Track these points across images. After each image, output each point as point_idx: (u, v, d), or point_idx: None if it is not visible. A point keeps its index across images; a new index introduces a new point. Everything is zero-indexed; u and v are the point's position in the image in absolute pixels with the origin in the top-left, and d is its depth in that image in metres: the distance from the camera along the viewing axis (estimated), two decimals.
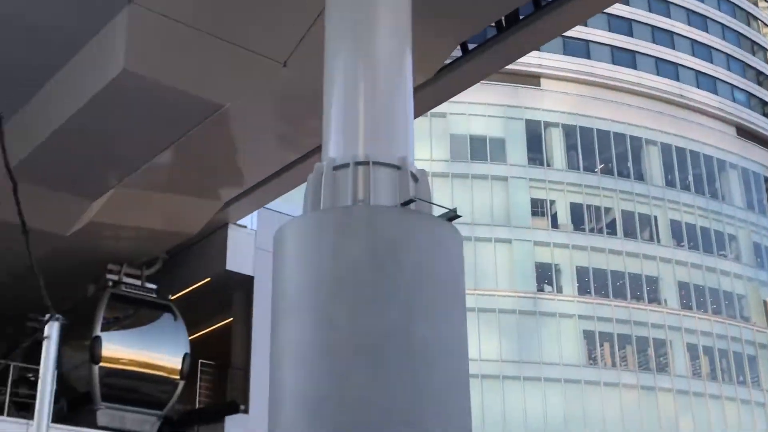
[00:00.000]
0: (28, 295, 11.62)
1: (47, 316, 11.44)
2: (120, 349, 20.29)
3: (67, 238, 19.31)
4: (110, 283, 20.67)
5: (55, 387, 19.76)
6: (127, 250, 20.80)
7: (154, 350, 20.79)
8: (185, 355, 20.61)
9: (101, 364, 19.59)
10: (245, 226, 23.02)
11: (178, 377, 20.53)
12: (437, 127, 56.87)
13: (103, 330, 19.89)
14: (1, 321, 23.74)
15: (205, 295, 23.00)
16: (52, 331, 11.41)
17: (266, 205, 21.97)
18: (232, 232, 22.64)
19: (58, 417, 19.91)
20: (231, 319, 23.90)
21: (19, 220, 10.39)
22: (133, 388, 20.31)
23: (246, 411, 21.22)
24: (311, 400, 5.44)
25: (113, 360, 19.99)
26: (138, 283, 21.10)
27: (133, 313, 21.05)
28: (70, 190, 17.77)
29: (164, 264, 21.57)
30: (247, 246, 22.75)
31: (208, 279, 22.79)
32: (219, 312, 24.25)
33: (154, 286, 21.31)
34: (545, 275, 55.23)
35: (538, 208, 56.81)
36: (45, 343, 11.35)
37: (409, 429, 5.31)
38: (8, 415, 20.24)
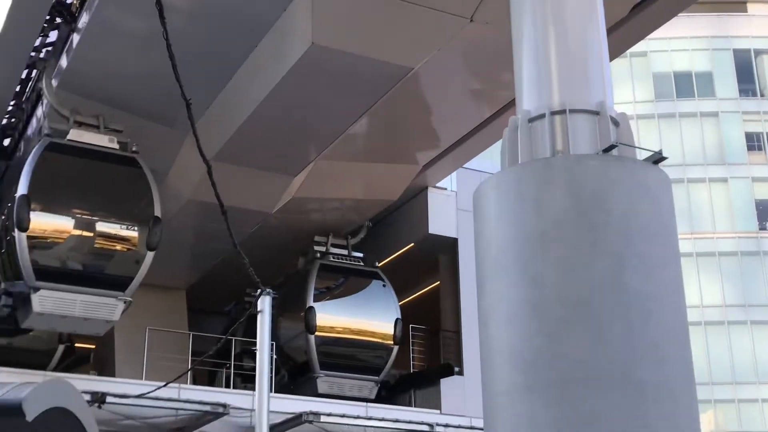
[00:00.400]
0: (245, 272, 12.15)
1: (258, 291, 11.96)
2: (333, 318, 20.96)
3: (273, 215, 20.09)
4: (318, 255, 21.28)
5: (275, 358, 20.80)
6: (332, 222, 21.39)
7: (366, 317, 21.34)
8: (396, 320, 21.01)
9: (317, 333, 20.29)
10: (445, 188, 23.13)
11: (391, 342, 20.99)
12: (638, 67, 54.91)
13: (315, 301, 20.56)
14: (222, 298, 25.09)
15: (411, 260, 23.36)
16: (264, 305, 11.93)
17: (464, 165, 21.98)
18: (433, 195, 22.81)
19: (280, 387, 20.93)
20: (438, 282, 24.16)
21: (227, 203, 10.91)
22: (349, 355, 20.94)
23: (461, 372, 21.44)
24: (524, 359, 5.40)
25: (328, 329, 20.68)
26: (345, 252, 21.64)
27: (342, 283, 21.66)
28: (271, 168, 18.42)
29: (368, 232, 22.03)
30: (448, 208, 22.87)
31: (412, 244, 23.09)
32: (426, 276, 24.55)
33: (360, 255, 21.80)
34: (767, 213, 52.45)
35: (753, 142, 53.86)
36: (259, 317, 11.88)
37: (626, 382, 5.18)
38: (234, 387, 21.41)
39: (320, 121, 16.93)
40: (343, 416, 17.86)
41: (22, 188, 16.23)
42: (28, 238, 16.14)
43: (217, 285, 23.80)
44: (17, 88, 18.61)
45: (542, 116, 6.30)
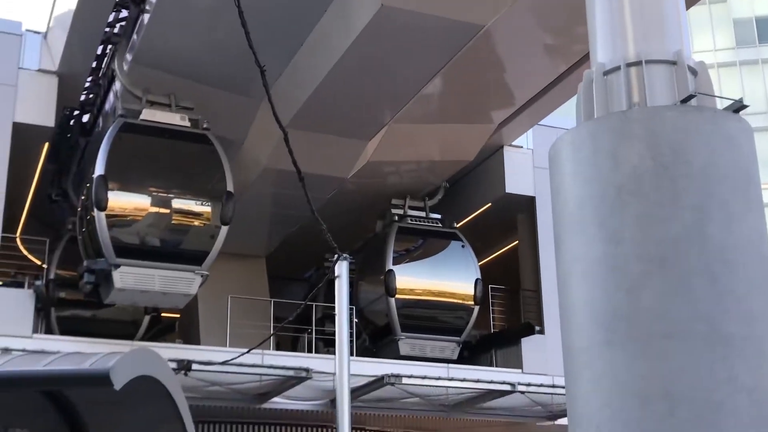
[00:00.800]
0: (323, 238, 12.25)
1: (335, 256, 12.05)
2: (413, 280, 21.05)
3: (349, 180, 20.19)
4: (396, 218, 21.34)
5: (355, 322, 21.01)
6: (408, 184, 21.41)
7: (446, 278, 21.38)
8: (477, 280, 21.02)
9: (397, 296, 20.42)
10: (521, 146, 22.95)
11: (472, 303, 21.01)
12: (718, 14, 53.43)
13: (394, 263, 20.69)
14: (301, 264, 25.40)
15: (488, 220, 23.29)
16: (341, 270, 12.03)
17: (540, 122, 21.75)
18: (509, 154, 22.66)
19: (361, 351, 21.15)
20: (516, 241, 24.06)
21: (303, 170, 11.01)
22: (430, 316, 21.04)
23: (541, 331, 21.39)
24: (604, 315, 5.36)
25: (408, 291, 20.79)
26: (422, 214, 21.64)
27: (421, 244, 21.70)
28: (345, 133, 18.50)
29: (445, 193, 21.99)
30: (524, 166, 22.71)
31: (489, 204, 23.02)
32: (504, 236, 24.48)
33: (438, 216, 21.78)
34: None
35: None
36: (337, 282, 11.99)
37: (710, 336, 5.11)
38: (317, 352, 21.70)
39: (393, 83, 16.91)
40: (424, 377, 17.97)
41: (99, 169, 16.78)
42: (107, 216, 16.69)
43: (296, 252, 24.10)
44: (93, 64, 18.98)
45: (617, 69, 6.19)
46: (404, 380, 17.56)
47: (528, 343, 21.37)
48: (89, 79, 19.47)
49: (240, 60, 15.23)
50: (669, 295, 5.20)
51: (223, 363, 16.53)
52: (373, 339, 21.63)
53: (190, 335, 22.22)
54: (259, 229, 23.06)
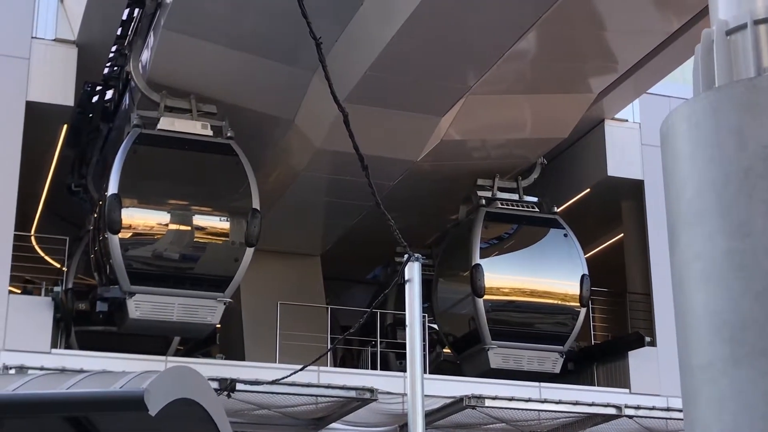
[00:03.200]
0: (391, 231, 12.26)
1: (405, 257, 12.02)
2: (505, 276, 20.76)
3: (420, 162, 20.20)
4: (483, 201, 21.00)
5: (428, 333, 20.98)
6: (496, 162, 21.15)
7: (546, 274, 21.08)
8: (583, 276, 20.63)
9: (486, 296, 20.16)
10: (626, 120, 22.78)
11: (577, 305, 20.66)
12: None
13: (482, 257, 20.37)
14: (365, 263, 25.50)
15: (587, 208, 23.15)
16: (413, 272, 11.97)
17: (649, 91, 21.55)
18: (611, 129, 22.50)
19: (434, 367, 21.16)
20: (621, 234, 23.88)
21: (365, 153, 11.04)
22: (526, 321, 20.73)
23: (653, 343, 21.21)
24: (729, 325, 5.32)
25: (499, 290, 20.54)
26: (515, 197, 21.34)
27: (514, 233, 21.41)
28: (414, 108, 18.51)
29: (543, 171, 21.68)
30: (631, 144, 22.53)
31: (588, 189, 22.89)
32: (606, 228, 24.34)
33: (535, 199, 21.42)
34: None
35: None
36: (407, 287, 11.97)
37: None
38: (388, 365, 21.73)
39: (472, 45, 16.85)
40: (511, 399, 17.96)
41: (112, 187, 17.49)
42: (121, 240, 17.44)
43: (358, 249, 24.23)
44: (119, 31, 19.26)
45: (743, 27, 6.11)
46: (487, 402, 17.58)
47: (636, 358, 21.22)
48: (113, 48, 19.79)
49: (287, 23, 15.39)
50: None
51: (273, 382, 16.72)
52: (457, 349, 21.48)
53: (233, 349, 22.50)
54: (312, 222, 23.25)
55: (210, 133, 18.35)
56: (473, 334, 20.44)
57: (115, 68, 20.35)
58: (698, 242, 5.64)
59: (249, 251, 18.05)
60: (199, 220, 18.25)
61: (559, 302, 20.82)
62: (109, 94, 21.06)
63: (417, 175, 20.61)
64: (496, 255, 20.89)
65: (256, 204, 18.08)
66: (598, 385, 21.48)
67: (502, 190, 21.30)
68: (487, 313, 20.13)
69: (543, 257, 21.21)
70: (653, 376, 20.75)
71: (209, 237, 18.40)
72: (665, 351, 20.50)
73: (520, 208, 21.17)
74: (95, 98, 21.13)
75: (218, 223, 18.47)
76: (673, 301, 5.85)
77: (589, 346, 22.52)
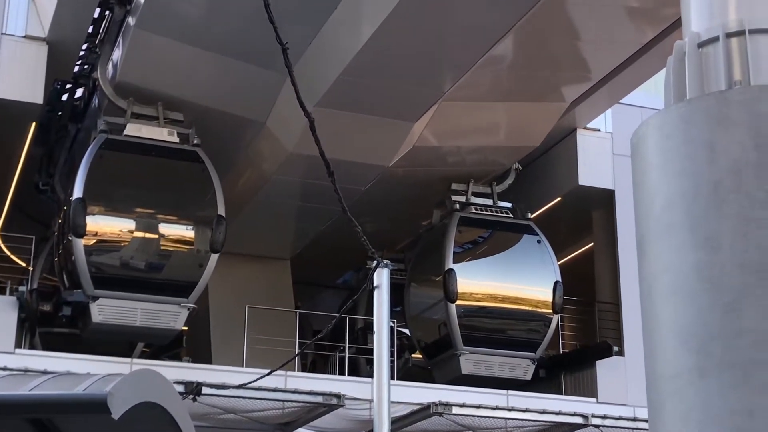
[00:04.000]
0: (369, 237, 12.26)
1: (374, 263, 12.01)
2: (478, 282, 20.77)
3: (394, 167, 20.20)
4: (457, 206, 21.03)
5: (398, 338, 20.95)
6: (466, 170, 21.19)
7: (519, 280, 21.12)
8: (556, 283, 20.73)
9: (458, 302, 20.18)
10: (598, 129, 22.88)
11: (550, 311, 20.73)
12: None
13: (455, 261, 20.40)
14: (335, 268, 25.46)
15: (558, 217, 23.23)
16: (381, 279, 11.96)
17: (621, 101, 21.65)
18: (583, 139, 22.59)
19: (403, 373, 21.15)
20: (591, 244, 23.96)
21: (336, 157, 11.06)
22: (498, 327, 20.74)
23: (621, 353, 21.29)
24: (696, 336, 5.35)
25: (472, 296, 20.55)
26: (489, 202, 21.38)
27: (488, 239, 21.43)
28: (387, 113, 18.49)
29: (516, 177, 21.70)
30: (602, 153, 22.62)
31: (559, 198, 22.96)
32: (576, 237, 24.42)
33: (508, 204, 21.47)
34: None
35: None
36: (376, 293, 11.97)
37: None
38: (359, 371, 21.67)
39: (445, 52, 16.88)
40: (479, 407, 17.96)
41: (77, 191, 17.70)
42: (85, 245, 17.64)
43: (329, 253, 24.18)
44: (90, 29, 19.17)
45: (715, 39, 6.15)
46: (455, 410, 17.57)
47: (604, 367, 21.29)
48: (84, 46, 19.69)
49: (260, 26, 15.30)
50: None
51: (239, 386, 16.66)
52: (428, 354, 21.49)
53: (199, 352, 22.41)
54: (283, 226, 23.20)
55: (176, 140, 18.64)
56: (445, 339, 20.47)
57: (86, 66, 20.23)
58: (667, 254, 5.67)
59: (214, 257, 18.31)
60: (164, 226, 18.47)
61: (532, 309, 20.90)
62: (79, 92, 20.94)
63: (390, 179, 20.65)
64: (469, 260, 20.97)
65: (221, 211, 18.35)
66: (565, 394, 21.54)
67: (476, 195, 21.36)
68: (459, 319, 20.16)
69: (516, 263, 21.32)
70: (621, 385, 20.83)
71: (174, 244, 18.64)
72: (633, 361, 20.60)
73: (494, 214, 21.24)
74: (65, 96, 21.00)
75: (183, 230, 18.73)
76: (641, 311, 5.88)
77: (557, 355, 22.60)
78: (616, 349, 21.24)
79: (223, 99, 18.67)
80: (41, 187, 21.93)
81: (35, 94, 19.74)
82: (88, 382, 7.15)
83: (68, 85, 20.73)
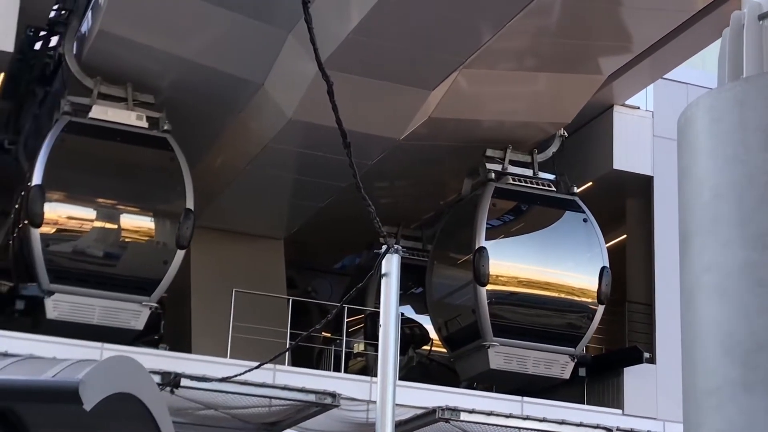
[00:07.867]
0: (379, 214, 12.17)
1: (383, 248, 11.82)
2: (513, 264, 20.46)
3: (405, 141, 20.17)
4: (492, 175, 20.55)
5: (407, 330, 20.88)
6: (510, 132, 20.91)
7: (560, 264, 20.88)
8: (603, 269, 20.35)
9: (490, 285, 19.86)
10: (637, 107, 22.85)
11: (594, 300, 20.41)
12: None
13: (488, 239, 20.00)
14: (335, 250, 25.48)
15: (588, 204, 23.15)
16: (391, 266, 11.78)
17: (665, 76, 21.63)
18: (620, 117, 22.57)
19: (406, 372, 21.15)
20: (624, 236, 23.98)
21: (345, 126, 10.98)
22: (534, 317, 20.45)
23: (652, 360, 21.31)
24: (742, 346, 5.37)
25: (506, 280, 20.28)
26: (529, 172, 21.01)
27: (525, 214, 21.16)
28: (400, 79, 18.48)
29: (562, 145, 21.33)
30: (641, 135, 22.62)
31: (590, 183, 22.94)
32: (608, 227, 24.31)
33: (551, 176, 21.14)
34: None
35: None
36: (383, 283, 11.88)
37: None
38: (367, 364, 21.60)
39: (469, 13, 16.85)
40: (490, 414, 18.01)
41: (36, 177, 18.07)
42: (42, 235, 18.04)
43: (328, 233, 24.21)
44: None
45: None
46: (463, 416, 17.62)
47: (632, 375, 21.31)
48: None
49: None
50: None
51: (222, 380, 16.71)
52: (451, 345, 21.29)
53: (179, 339, 22.46)
54: (276, 201, 23.22)
55: (145, 124, 18.98)
56: (472, 328, 20.08)
57: (63, 12, 20.23)
58: (712, 251, 5.68)
59: (180, 254, 18.72)
60: (126, 217, 18.89)
61: (574, 297, 20.56)
62: (54, 40, 20.91)
63: (402, 151, 20.45)
64: (503, 238, 20.65)
65: (190, 204, 18.73)
66: (587, 403, 21.54)
67: (514, 164, 20.94)
68: (490, 306, 19.80)
69: (558, 244, 20.98)
70: (650, 397, 20.87)
71: (137, 237, 19.09)
72: (665, 369, 20.61)
73: (534, 186, 20.87)
74: (38, 45, 21.00)
75: (148, 222, 19.13)
76: (680, 315, 5.91)
77: (602, 354, 22.48)
78: (647, 355, 21.19)
79: (217, 55, 18.64)
80: (6, 146, 21.98)
81: (6, 42, 19.69)
82: (58, 368, 7.18)
83: (42, 33, 20.71)
